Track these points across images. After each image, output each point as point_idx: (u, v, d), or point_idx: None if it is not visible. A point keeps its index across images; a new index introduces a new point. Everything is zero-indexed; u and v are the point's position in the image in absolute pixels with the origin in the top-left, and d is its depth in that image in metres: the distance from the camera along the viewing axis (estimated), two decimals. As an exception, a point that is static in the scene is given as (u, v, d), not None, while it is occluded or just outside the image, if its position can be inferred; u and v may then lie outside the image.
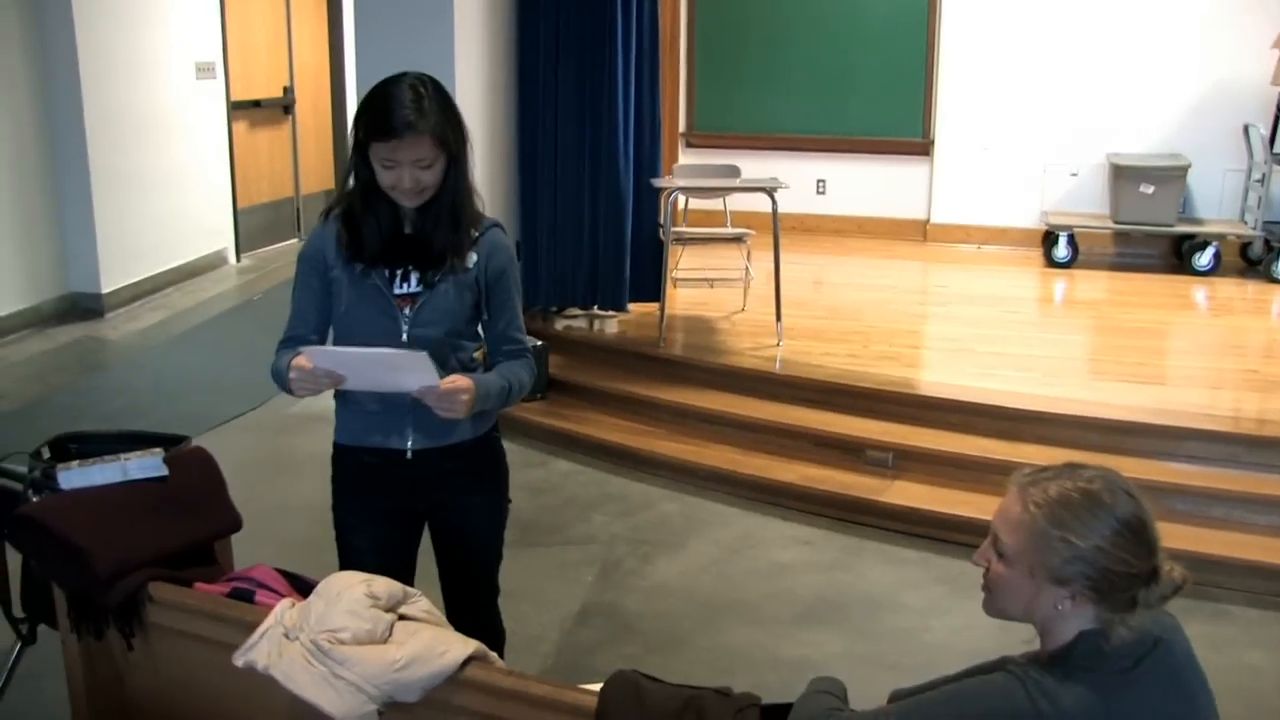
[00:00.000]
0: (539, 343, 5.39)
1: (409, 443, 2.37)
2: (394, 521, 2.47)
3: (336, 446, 2.47)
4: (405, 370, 2.18)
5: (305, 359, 2.19)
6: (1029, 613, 1.67)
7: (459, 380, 2.23)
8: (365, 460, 2.41)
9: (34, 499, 2.39)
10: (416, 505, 2.47)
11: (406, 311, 2.29)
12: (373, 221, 2.28)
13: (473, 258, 2.33)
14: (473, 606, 2.58)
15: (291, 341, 2.34)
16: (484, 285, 2.36)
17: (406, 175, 2.21)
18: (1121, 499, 1.61)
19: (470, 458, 2.44)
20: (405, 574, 2.45)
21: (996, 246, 7.88)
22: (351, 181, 2.30)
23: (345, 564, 2.44)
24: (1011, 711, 1.56)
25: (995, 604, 1.71)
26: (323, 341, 2.38)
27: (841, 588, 3.91)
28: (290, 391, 2.26)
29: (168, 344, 6.59)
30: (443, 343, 2.31)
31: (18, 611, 2.70)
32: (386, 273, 2.30)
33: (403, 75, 2.23)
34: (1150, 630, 1.63)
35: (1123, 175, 7.15)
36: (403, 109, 2.16)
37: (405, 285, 2.30)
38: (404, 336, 2.29)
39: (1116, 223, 7.26)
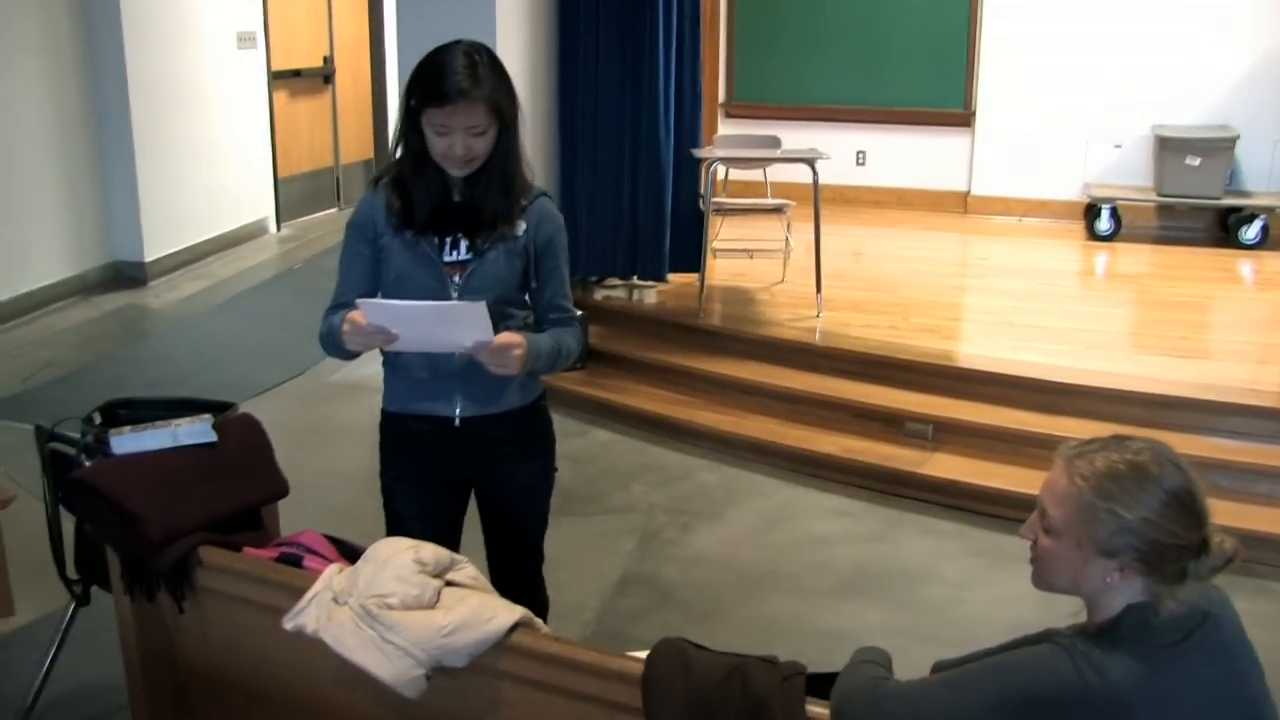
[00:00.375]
0: (579, 313, 5.38)
1: (457, 409, 2.39)
2: (441, 489, 2.48)
3: (384, 414, 2.48)
4: (461, 324, 2.19)
5: (359, 313, 2.19)
6: (1077, 586, 1.66)
7: (512, 336, 2.24)
8: (413, 427, 2.43)
9: (87, 463, 2.42)
10: (463, 472, 2.48)
11: (456, 279, 2.31)
12: (423, 189, 2.29)
13: (521, 226, 2.34)
14: (518, 574, 2.60)
15: (340, 309, 2.35)
16: (533, 253, 2.37)
17: (459, 142, 2.21)
18: (1170, 470, 1.60)
19: (518, 425, 2.46)
20: (451, 541, 2.46)
21: (1038, 219, 7.80)
22: (400, 150, 2.31)
23: (392, 531, 2.46)
24: (1058, 683, 1.55)
25: (1043, 578, 1.70)
26: None
27: (880, 559, 3.90)
28: (341, 351, 2.28)
29: (209, 312, 6.64)
30: (491, 310, 2.30)
31: (72, 573, 2.75)
32: (436, 240, 2.31)
33: (457, 43, 2.24)
34: (1199, 604, 1.62)
35: (1168, 147, 7.04)
36: (457, 75, 2.17)
37: (455, 253, 2.31)
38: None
39: (1161, 195, 7.15)
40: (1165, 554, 1.58)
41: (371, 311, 2.19)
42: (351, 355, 2.34)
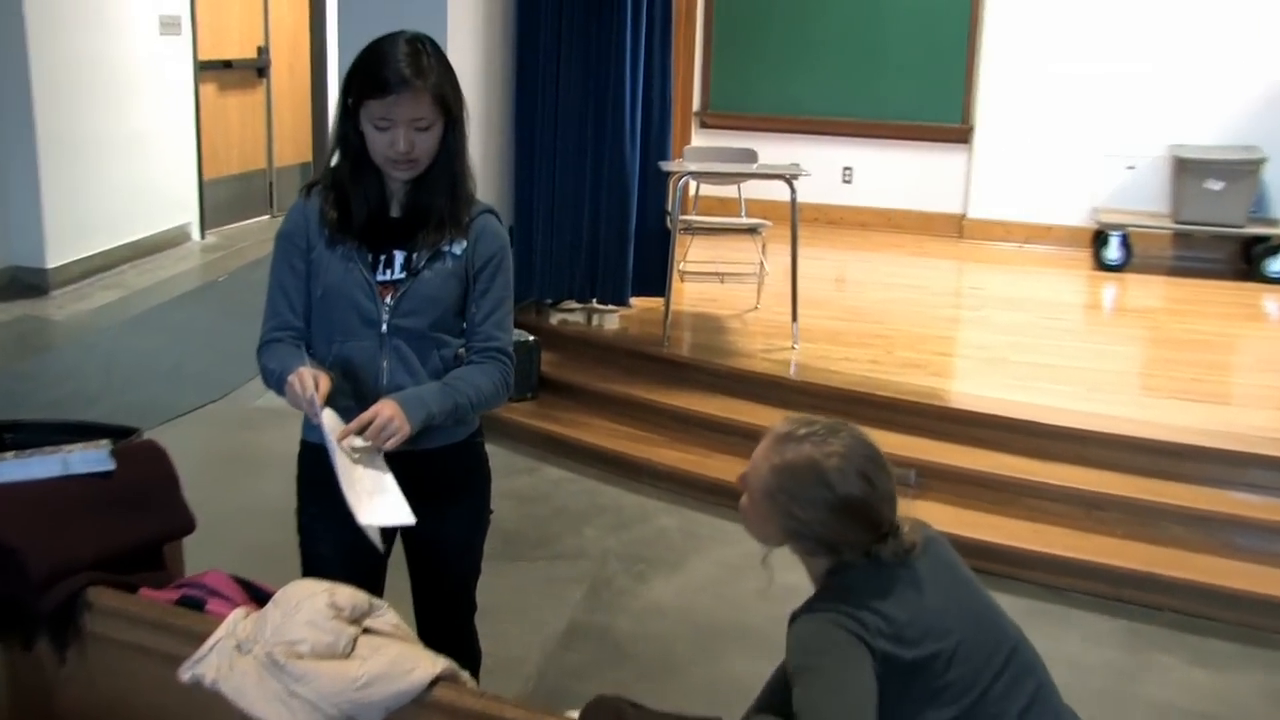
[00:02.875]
0: (531, 338, 5.42)
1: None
2: (363, 529, 2.48)
3: (303, 444, 2.49)
4: (379, 502, 2.23)
5: (302, 379, 2.21)
6: (771, 544, 2.00)
7: (379, 407, 2.24)
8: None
9: (-37, 492, 2.39)
10: None
11: (388, 300, 2.33)
12: (360, 195, 2.32)
13: (460, 244, 2.36)
14: (447, 624, 2.60)
15: (281, 331, 2.37)
16: (472, 274, 2.38)
17: (402, 137, 2.23)
18: (850, 480, 1.89)
19: (449, 464, 2.47)
20: (373, 586, 2.46)
21: (1040, 246, 7.91)
22: (337, 152, 2.33)
23: (309, 573, 2.45)
24: (846, 641, 1.82)
25: (749, 529, 2.04)
26: (309, 327, 2.40)
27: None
28: (281, 392, 2.30)
29: (121, 327, 6.60)
30: (424, 336, 2.35)
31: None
32: (370, 256, 2.33)
33: (399, 33, 2.28)
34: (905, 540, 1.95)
35: (1187, 169, 7.13)
36: (400, 63, 2.20)
37: (388, 271, 2.33)
38: (384, 327, 2.33)
39: (1178, 222, 7.25)
40: (835, 546, 1.91)
41: (328, 420, 2.23)
42: None
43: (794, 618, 1.91)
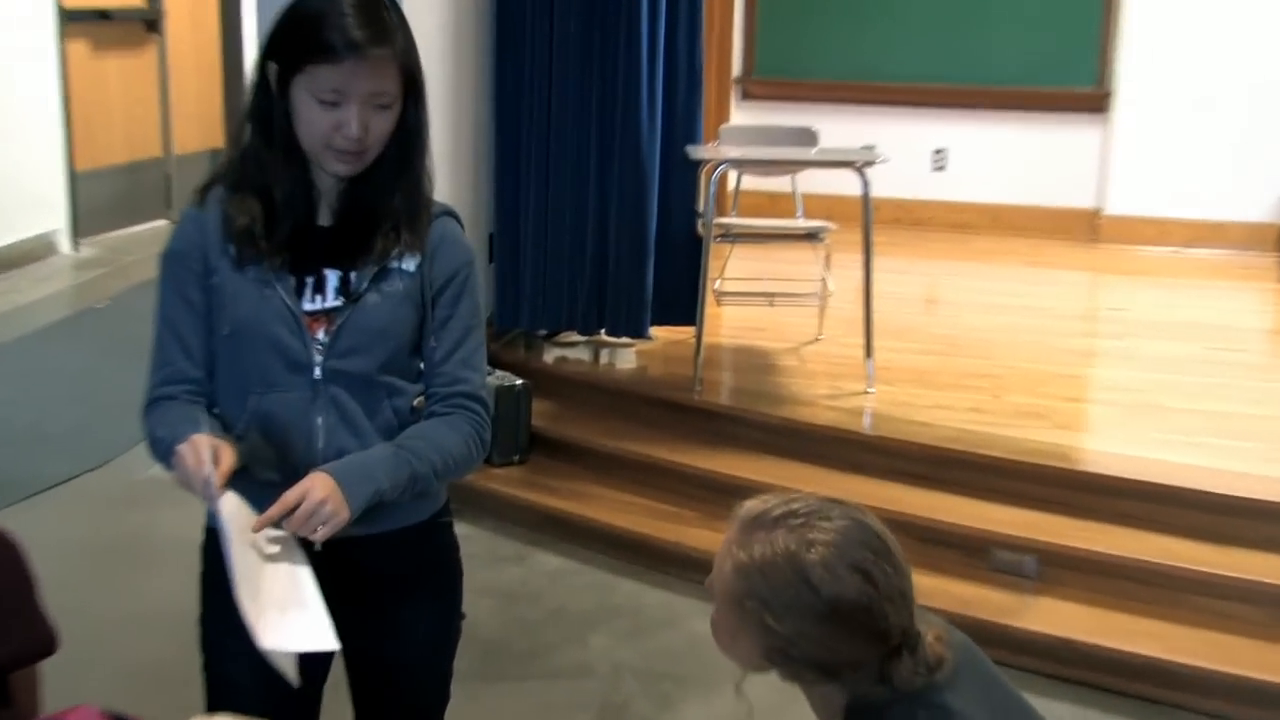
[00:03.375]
0: (518, 383, 5.43)
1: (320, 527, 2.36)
2: (267, 656, 2.47)
3: (209, 533, 2.46)
4: (293, 619, 2.19)
5: (192, 451, 2.18)
6: (760, 669, 1.97)
7: (310, 482, 2.21)
8: None
9: None
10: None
11: (320, 335, 2.31)
12: (286, 197, 2.30)
13: (415, 258, 2.35)
14: None
15: (173, 385, 2.35)
16: (430, 297, 2.38)
17: (354, 117, 2.21)
18: (842, 578, 1.85)
19: (408, 552, 2.47)
20: (306, 716, 2.46)
21: (1207, 250, 7.91)
22: (249, 140, 2.31)
23: (215, 704, 2.45)
24: None
25: (723, 650, 2.02)
26: (211, 378, 2.38)
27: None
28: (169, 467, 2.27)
29: (-39, 371, 6.64)
30: (371, 382, 2.34)
31: None
32: (293, 280, 2.32)
33: None
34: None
35: None
36: (357, 20, 2.18)
37: (319, 298, 2.32)
38: (316, 372, 2.31)
39: None
40: (831, 669, 1.89)
41: (227, 508, 2.20)
42: None
43: None
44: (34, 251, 8.24)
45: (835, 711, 1.94)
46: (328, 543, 2.30)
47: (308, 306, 2.32)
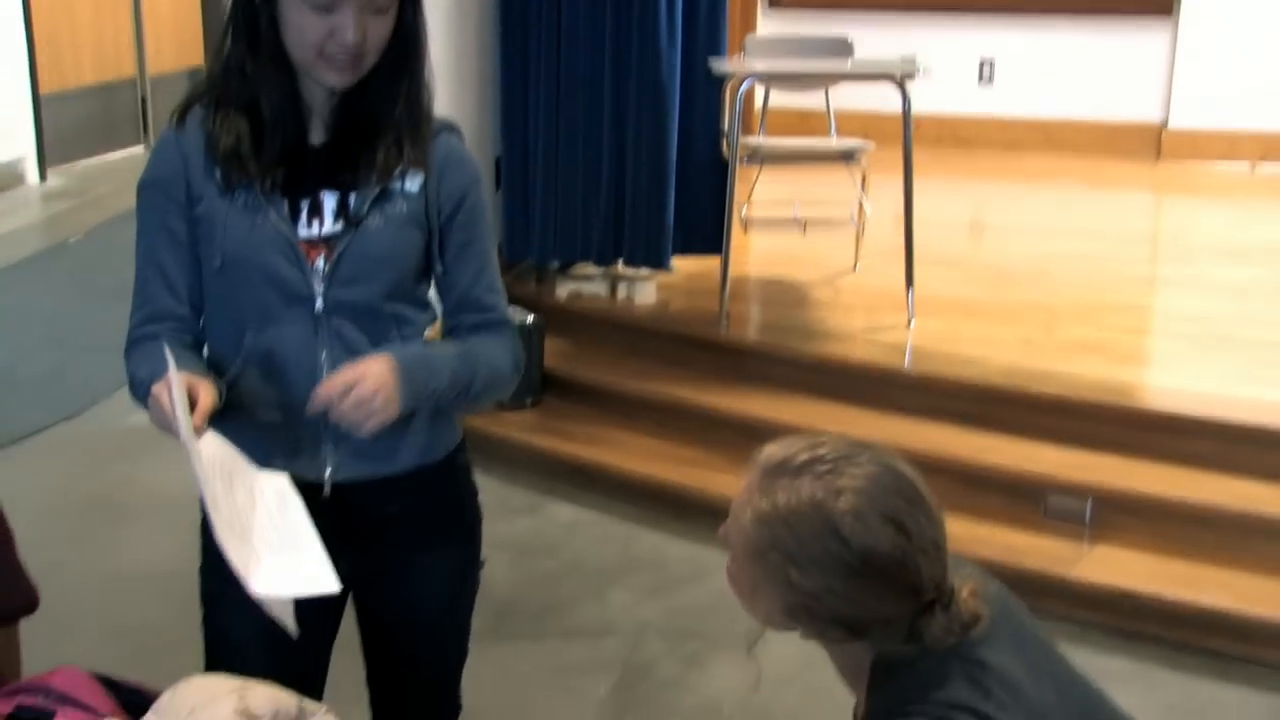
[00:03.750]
0: (529, 317, 5.41)
1: (327, 471, 2.38)
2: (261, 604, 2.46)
3: None
4: (287, 561, 2.18)
5: (164, 389, 2.15)
6: (782, 627, 1.94)
7: (366, 366, 2.20)
8: None
9: None
10: (336, 570, 2.46)
11: (319, 264, 2.30)
12: (275, 112, 2.28)
13: (418, 177, 2.34)
14: None
15: (156, 323, 2.34)
16: (437, 220, 2.37)
17: (351, 21, 2.19)
18: (872, 529, 1.81)
19: (422, 494, 2.47)
20: (311, 680, 2.47)
21: None
22: (230, 51, 2.28)
23: (213, 659, 2.47)
24: None
25: (747, 609, 1.97)
26: (198, 315, 2.38)
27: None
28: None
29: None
30: (377, 312, 2.33)
31: None
32: (287, 204, 2.30)
33: None
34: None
35: None
36: None
37: (316, 224, 2.31)
38: (318, 303, 2.30)
39: None
40: (858, 626, 1.87)
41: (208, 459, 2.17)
42: None
43: None
44: None
45: (860, 671, 1.92)
46: (336, 486, 2.35)
47: (304, 233, 2.31)
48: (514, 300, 5.56)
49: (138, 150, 9.10)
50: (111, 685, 2.35)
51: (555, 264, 6.14)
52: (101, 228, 7.52)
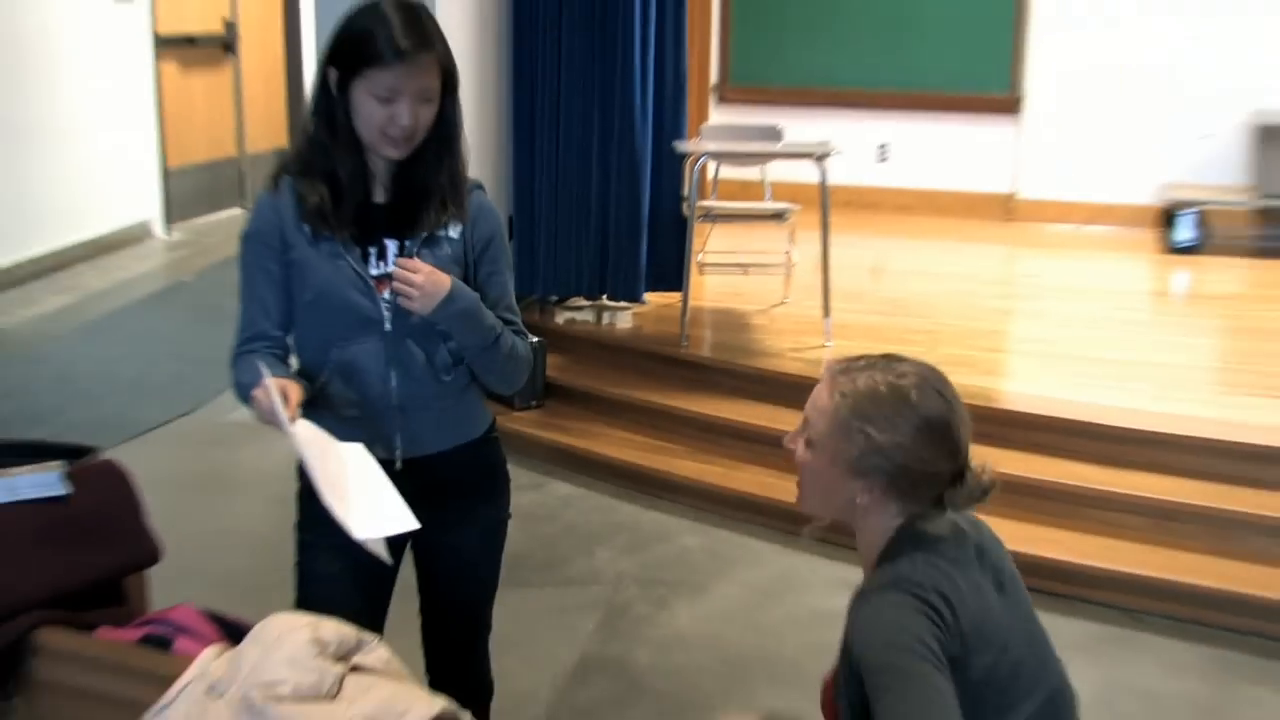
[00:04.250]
0: (535, 339, 5.39)
1: (398, 451, 2.43)
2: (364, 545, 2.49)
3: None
4: (376, 509, 2.22)
5: (264, 391, 2.19)
6: (829, 505, 1.99)
7: (433, 272, 2.27)
8: None
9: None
10: None
11: (385, 295, 2.34)
12: (351, 180, 2.32)
13: (457, 226, 2.39)
14: (461, 646, 2.67)
15: (256, 342, 2.37)
16: (471, 256, 2.42)
17: (406, 110, 2.24)
18: (930, 398, 1.90)
19: (469, 463, 2.52)
20: (379, 606, 2.52)
21: (1101, 227, 7.88)
22: (316, 131, 2.32)
23: (306, 594, 2.48)
24: (930, 632, 1.78)
25: (803, 496, 2.03)
26: (286, 335, 2.42)
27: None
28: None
29: (76, 334, 6.61)
30: (430, 331, 2.37)
31: None
32: (359, 250, 2.35)
33: None
34: (959, 525, 1.95)
35: (1273, 137, 7.09)
36: (404, 30, 2.22)
37: (381, 264, 2.35)
38: (387, 325, 2.35)
39: (1263, 197, 7.20)
40: (915, 479, 1.90)
41: (304, 430, 2.22)
42: None
43: (860, 597, 1.90)
44: (134, 235, 8.22)
45: (879, 543, 1.94)
46: (410, 459, 2.42)
47: (373, 271, 2.35)
48: (523, 324, 5.61)
49: (237, 211, 9.10)
50: (217, 619, 2.37)
51: (554, 297, 6.12)
52: (210, 269, 7.50)
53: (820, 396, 1.96)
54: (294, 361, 2.42)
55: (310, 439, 2.23)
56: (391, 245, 2.35)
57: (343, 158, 2.31)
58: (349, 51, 2.25)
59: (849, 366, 1.96)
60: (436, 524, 2.48)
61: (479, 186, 2.46)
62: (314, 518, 2.45)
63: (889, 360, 1.96)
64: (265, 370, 2.22)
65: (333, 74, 2.27)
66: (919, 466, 1.89)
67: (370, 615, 2.43)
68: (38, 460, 2.51)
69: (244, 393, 2.32)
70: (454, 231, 2.38)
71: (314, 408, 2.39)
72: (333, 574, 2.46)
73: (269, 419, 2.21)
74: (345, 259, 2.33)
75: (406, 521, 2.24)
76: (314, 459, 2.20)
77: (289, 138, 9.62)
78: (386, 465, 2.39)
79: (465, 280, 2.38)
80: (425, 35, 2.23)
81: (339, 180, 2.32)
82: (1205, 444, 4.48)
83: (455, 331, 2.36)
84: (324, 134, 2.31)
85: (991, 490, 1.92)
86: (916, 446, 1.88)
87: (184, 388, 5.79)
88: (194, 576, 3.56)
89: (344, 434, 2.35)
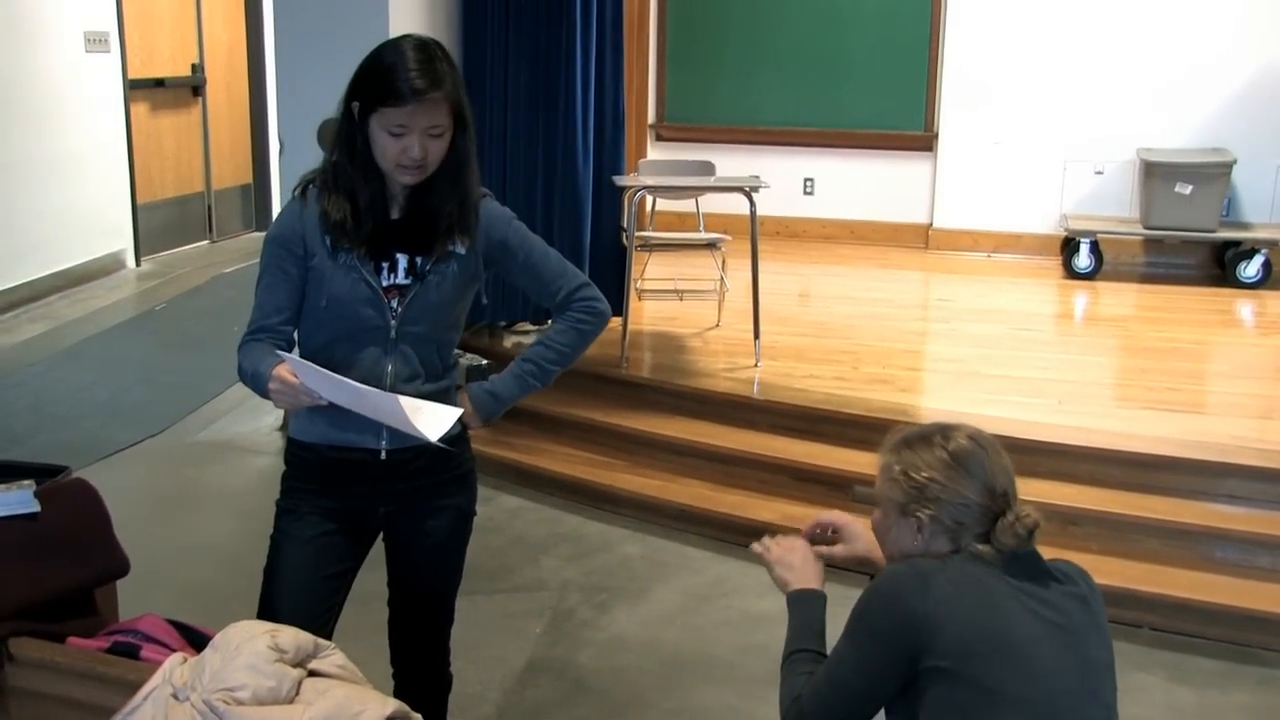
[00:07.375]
0: (484, 362, 5.39)
1: (383, 443, 2.45)
2: (346, 520, 2.52)
3: (294, 442, 2.53)
4: (427, 418, 2.30)
5: (288, 370, 2.25)
6: (900, 549, 2.06)
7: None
8: (330, 457, 2.47)
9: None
10: (377, 509, 2.53)
11: (394, 304, 2.39)
12: (368, 199, 2.36)
13: (466, 242, 2.43)
14: (427, 637, 2.67)
15: (265, 333, 2.40)
16: (494, 262, 2.49)
17: (417, 144, 2.29)
18: (960, 439, 2.02)
19: (446, 458, 2.52)
20: (340, 583, 2.51)
21: (1009, 255, 7.97)
22: (338, 155, 2.38)
23: (278, 554, 2.48)
24: (895, 580, 1.97)
25: (885, 553, 2.14)
26: (291, 330, 2.46)
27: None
28: (265, 396, 2.34)
29: (50, 360, 6.53)
30: (429, 340, 2.43)
31: None
32: (373, 264, 2.39)
33: (405, 37, 2.34)
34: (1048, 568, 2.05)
35: (1156, 173, 7.20)
36: (418, 71, 2.27)
37: (393, 276, 2.40)
38: (392, 333, 2.39)
39: (1148, 228, 7.32)
40: (955, 514, 1.98)
41: (302, 372, 2.25)
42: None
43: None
44: (106, 267, 8.12)
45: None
46: (394, 449, 2.46)
47: (384, 282, 2.40)
48: (473, 349, 5.59)
49: (204, 245, 9.05)
50: (182, 628, 2.37)
51: (502, 323, 6.10)
52: (179, 298, 7.38)
53: (878, 463, 2.09)
54: (295, 353, 2.44)
55: (339, 394, 2.29)
56: (402, 259, 2.40)
57: (361, 181, 2.35)
58: (368, 88, 2.31)
59: (899, 431, 2.10)
60: (412, 511, 2.54)
61: (485, 194, 2.50)
62: (296, 486, 2.52)
63: (938, 424, 2.08)
64: (282, 359, 2.30)
65: (354, 106, 2.33)
66: (955, 499, 1.98)
67: (333, 585, 2.47)
68: (11, 480, 2.49)
69: (243, 374, 2.38)
70: (462, 248, 2.42)
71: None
72: (305, 535, 2.48)
73: (290, 400, 2.29)
74: (360, 271, 2.37)
75: (452, 415, 2.38)
76: (365, 394, 2.27)
77: (253, 174, 9.60)
78: (372, 455, 2.45)
79: (475, 293, 2.49)
80: (437, 76, 2.28)
81: (362, 200, 2.36)
82: (1101, 453, 4.53)
83: (524, 394, 2.55)
84: (345, 159, 2.37)
85: (1035, 529, 1.99)
86: (949, 481, 1.98)
87: (153, 410, 5.73)
88: (160, 588, 3.53)
89: (336, 422, 2.41)
